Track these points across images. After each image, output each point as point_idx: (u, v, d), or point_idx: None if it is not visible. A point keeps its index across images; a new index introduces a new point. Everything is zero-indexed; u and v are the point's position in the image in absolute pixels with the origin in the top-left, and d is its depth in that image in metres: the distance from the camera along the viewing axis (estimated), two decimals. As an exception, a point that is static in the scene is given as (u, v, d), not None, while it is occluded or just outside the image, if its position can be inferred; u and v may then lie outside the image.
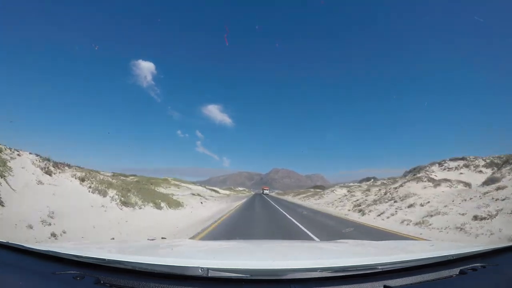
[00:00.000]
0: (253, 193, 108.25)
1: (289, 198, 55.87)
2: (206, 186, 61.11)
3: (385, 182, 37.61)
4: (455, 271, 1.27)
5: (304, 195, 50.86)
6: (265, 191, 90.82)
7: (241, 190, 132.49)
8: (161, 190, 24.56)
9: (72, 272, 1.13)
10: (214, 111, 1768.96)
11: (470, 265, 1.31)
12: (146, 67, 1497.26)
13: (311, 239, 7.78)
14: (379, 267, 1.20)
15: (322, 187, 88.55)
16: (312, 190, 71.82)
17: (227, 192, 75.67)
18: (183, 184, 39.22)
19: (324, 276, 1.13)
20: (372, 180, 51.25)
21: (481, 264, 1.33)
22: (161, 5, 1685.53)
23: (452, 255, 1.36)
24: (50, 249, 1.27)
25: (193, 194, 25.79)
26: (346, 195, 27.63)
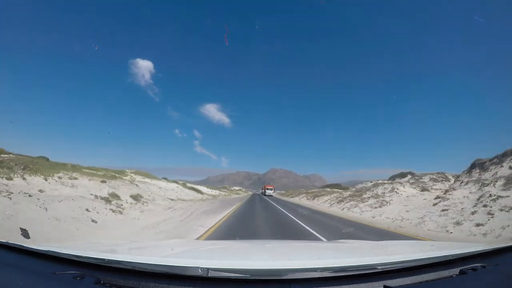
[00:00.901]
0: (250, 193, 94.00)
1: (305, 202, 36.11)
2: (187, 184, 42.19)
3: (434, 177, 29.72)
4: (455, 271, 1.27)
5: (329, 197, 31.70)
6: (268, 191, 62.49)
7: (236, 190, 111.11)
8: (49, 183, 12.21)
9: (72, 272, 1.13)
10: (212, 111, 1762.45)
11: (470, 265, 1.32)
12: (144, 66, 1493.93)
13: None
14: (379, 267, 1.20)
15: (339, 186, 67.73)
16: (328, 189, 51.91)
17: (216, 192, 54.27)
18: (141, 179, 23.77)
19: (324, 276, 1.13)
20: (410, 176, 41.62)
21: (481, 264, 1.34)
22: (160, 5, 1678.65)
23: (452, 255, 1.37)
24: (50, 249, 1.27)
25: (110, 198, 12.30)
26: (440, 198, 15.37)
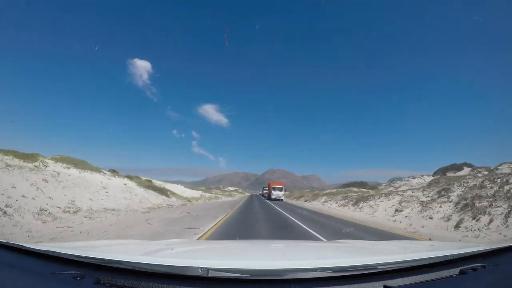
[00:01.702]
0: (248, 194, 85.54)
1: (348, 212, 18.89)
2: (156, 182, 29.38)
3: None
4: (455, 271, 1.27)
5: (392, 202, 16.06)
6: (276, 193, 40.53)
7: (230, 191, 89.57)
8: None
9: (72, 272, 1.13)
10: (210, 111, 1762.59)
11: (470, 265, 1.32)
12: (142, 66, 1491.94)
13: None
14: (379, 267, 1.20)
15: (364, 184, 48.14)
16: (355, 189, 36.71)
17: (197, 194, 37.93)
18: (60, 169, 14.49)
19: (324, 276, 1.13)
20: (468, 168, 31.70)
21: (481, 264, 1.34)
22: (158, 4, 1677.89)
23: (452, 255, 1.37)
24: (50, 249, 1.26)
25: None
26: None
